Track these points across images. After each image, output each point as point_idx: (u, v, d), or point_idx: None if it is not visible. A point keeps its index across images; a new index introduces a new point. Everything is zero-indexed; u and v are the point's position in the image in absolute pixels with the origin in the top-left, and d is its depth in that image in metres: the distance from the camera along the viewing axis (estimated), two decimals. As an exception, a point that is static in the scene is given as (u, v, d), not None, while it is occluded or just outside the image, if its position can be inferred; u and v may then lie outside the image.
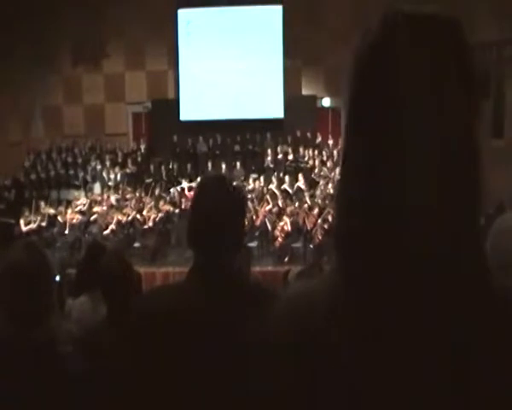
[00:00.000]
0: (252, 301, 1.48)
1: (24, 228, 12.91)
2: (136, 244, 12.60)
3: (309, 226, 11.90)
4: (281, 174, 14.68)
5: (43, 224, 13.12)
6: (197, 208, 1.62)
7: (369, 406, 0.71)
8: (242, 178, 14.52)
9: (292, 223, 11.96)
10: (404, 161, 0.70)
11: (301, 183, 13.79)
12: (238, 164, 15.36)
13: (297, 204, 12.64)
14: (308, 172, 14.63)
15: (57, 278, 6.27)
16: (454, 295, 0.70)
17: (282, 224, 12.03)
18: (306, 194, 13.17)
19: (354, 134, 0.75)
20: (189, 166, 15.59)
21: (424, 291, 0.70)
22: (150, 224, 12.76)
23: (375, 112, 0.72)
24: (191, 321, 1.48)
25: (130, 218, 12.97)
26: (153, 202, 13.30)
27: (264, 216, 12.32)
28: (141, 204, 13.37)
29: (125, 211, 13.16)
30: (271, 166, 15.27)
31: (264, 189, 13.85)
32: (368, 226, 0.72)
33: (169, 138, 16.46)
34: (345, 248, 0.76)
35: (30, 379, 1.64)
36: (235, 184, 1.78)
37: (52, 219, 13.32)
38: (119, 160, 16.07)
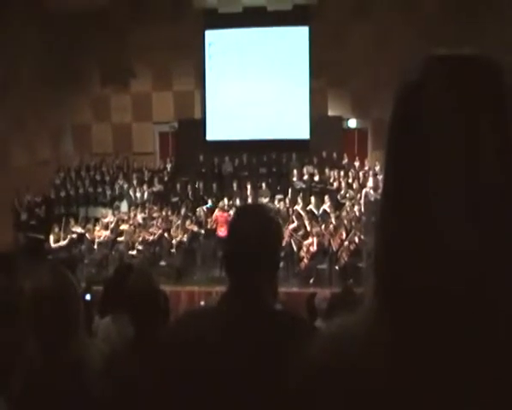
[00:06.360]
0: (285, 329, 1.52)
1: (53, 245, 13.09)
2: (162, 263, 12.67)
3: (334, 248, 11.84)
4: (306, 195, 14.65)
5: (73, 237, 13.34)
6: (234, 234, 1.65)
7: None
8: (268, 198, 14.52)
9: (317, 244, 11.90)
10: (445, 206, 0.69)
11: (327, 205, 13.67)
12: (264, 184, 15.37)
13: (323, 226, 12.59)
14: (334, 194, 14.58)
15: (88, 296, 6.33)
16: (492, 346, 0.69)
17: (307, 244, 11.98)
18: (332, 215, 13.10)
19: (394, 174, 0.75)
20: (214, 185, 15.67)
21: (465, 342, 0.69)
22: (176, 243, 12.83)
23: (412, 151, 0.72)
24: (227, 346, 1.49)
25: (156, 236, 13.07)
26: (179, 221, 13.38)
27: (290, 237, 12.29)
28: (167, 223, 13.47)
29: (151, 230, 13.27)
30: (297, 187, 15.26)
31: (290, 209, 13.82)
32: (409, 267, 0.72)
33: (195, 158, 16.59)
34: (386, 288, 0.76)
35: (57, 403, 1.65)
36: (271, 212, 1.81)
37: (80, 237, 13.51)
38: (146, 178, 16.23)
